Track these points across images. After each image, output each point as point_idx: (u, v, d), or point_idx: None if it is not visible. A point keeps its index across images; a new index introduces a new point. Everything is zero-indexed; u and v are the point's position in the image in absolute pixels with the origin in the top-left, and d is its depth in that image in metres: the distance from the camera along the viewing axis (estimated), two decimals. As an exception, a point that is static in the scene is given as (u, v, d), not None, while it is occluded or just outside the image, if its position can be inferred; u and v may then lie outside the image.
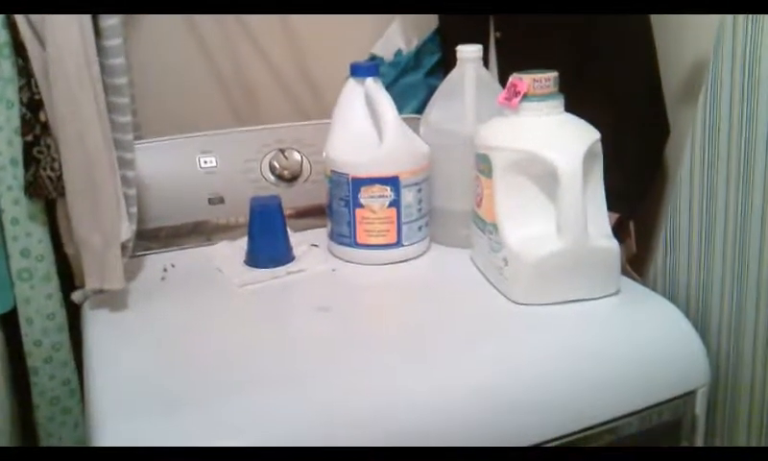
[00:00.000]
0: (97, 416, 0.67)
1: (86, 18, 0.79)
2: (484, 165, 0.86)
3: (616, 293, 0.83)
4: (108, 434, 0.64)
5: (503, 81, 0.87)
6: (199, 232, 1.04)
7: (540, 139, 0.82)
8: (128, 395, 0.69)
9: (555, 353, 0.76)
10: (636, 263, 0.97)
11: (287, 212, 1.04)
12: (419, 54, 1.22)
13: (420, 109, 1.05)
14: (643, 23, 0.95)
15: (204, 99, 1.20)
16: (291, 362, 0.74)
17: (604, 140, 0.84)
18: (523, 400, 0.72)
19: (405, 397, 0.70)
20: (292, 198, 1.06)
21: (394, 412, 0.69)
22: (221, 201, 1.04)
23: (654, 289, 0.88)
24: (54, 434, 0.92)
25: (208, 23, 1.18)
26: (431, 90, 1.03)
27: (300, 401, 0.68)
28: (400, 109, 1.17)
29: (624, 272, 0.90)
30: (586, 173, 0.80)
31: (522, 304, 0.82)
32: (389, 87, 1.21)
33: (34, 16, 0.79)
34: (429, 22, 1.23)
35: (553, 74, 0.84)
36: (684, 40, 0.93)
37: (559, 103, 0.84)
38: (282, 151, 1.07)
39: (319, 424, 0.67)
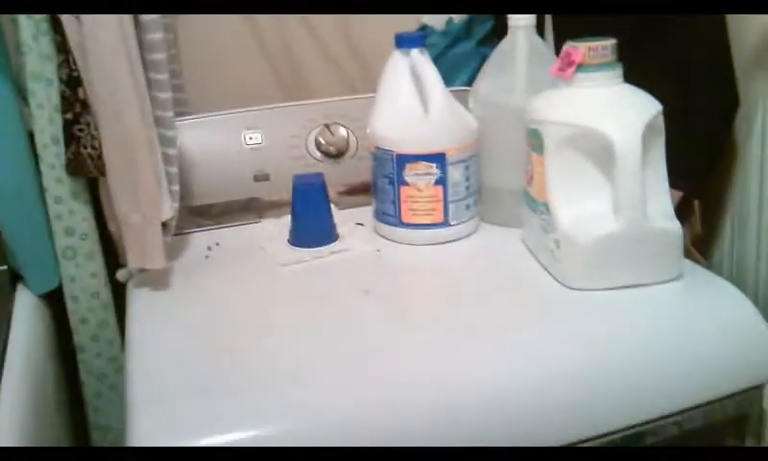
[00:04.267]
0: (132, 396, 0.66)
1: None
2: (535, 140, 0.81)
3: (678, 278, 0.78)
4: (142, 416, 0.63)
5: (558, 50, 0.82)
6: (251, 209, 1.02)
7: (595, 112, 0.77)
8: (163, 376, 0.68)
9: (609, 342, 0.71)
10: (702, 245, 0.91)
11: (333, 189, 1.02)
12: (470, 22, 1.17)
13: (472, 81, 1.00)
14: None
15: (251, 74, 1.18)
16: (330, 346, 0.71)
17: (667, 113, 0.78)
18: (575, 390, 0.68)
19: (449, 382, 0.66)
20: (338, 174, 1.03)
21: (438, 397, 0.65)
22: (266, 178, 1.02)
23: (719, 274, 0.82)
24: (101, 410, 0.93)
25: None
26: (483, 61, 0.98)
27: (341, 388, 0.66)
28: (451, 80, 1.13)
29: (688, 254, 0.84)
30: (645, 148, 0.74)
31: (575, 289, 0.77)
32: (439, 58, 1.17)
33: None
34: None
35: (610, 42, 0.78)
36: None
37: (617, 73, 0.79)
38: (328, 126, 1.05)
39: (358, 411, 0.64)
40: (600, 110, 0.77)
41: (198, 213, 1.00)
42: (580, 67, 0.78)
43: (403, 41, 0.92)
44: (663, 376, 0.70)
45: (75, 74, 0.80)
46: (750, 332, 0.73)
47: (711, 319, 0.74)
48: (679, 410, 0.71)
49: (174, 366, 0.70)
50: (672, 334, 0.72)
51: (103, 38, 0.76)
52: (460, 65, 1.16)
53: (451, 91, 0.93)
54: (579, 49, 0.78)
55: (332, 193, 1.03)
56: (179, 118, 0.99)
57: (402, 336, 0.73)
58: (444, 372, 0.67)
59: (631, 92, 0.79)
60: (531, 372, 0.68)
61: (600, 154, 0.76)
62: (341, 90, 1.17)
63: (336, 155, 1.04)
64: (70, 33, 0.78)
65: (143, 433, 0.62)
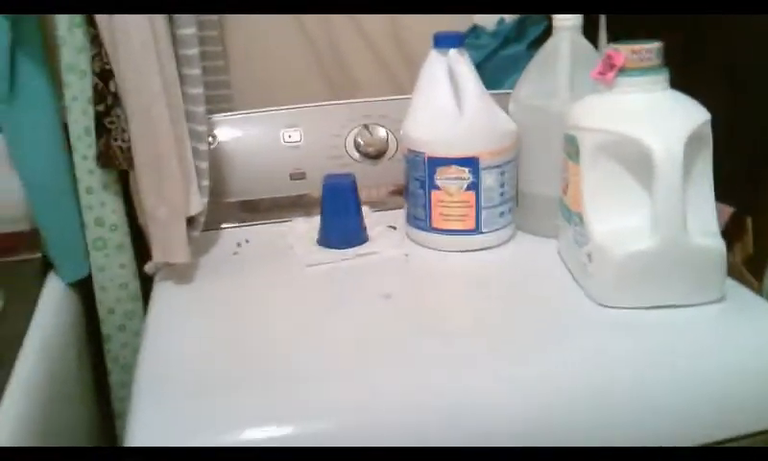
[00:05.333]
0: (138, 387, 0.66)
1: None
2: (571, 147, 0.77)
3: (720, 300, 0.72)
4: (145, 408, 0.63)
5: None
6: (301, 205, 1.01)
7: (635, 120, 0.72)
8: (173, 370, 0.68)
9: (636, 367, 0.66)
10: (754, 265, 0.84)
11: (370, 191, 1.00)
12: (522, 23, 1.13)
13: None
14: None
15: (297, 71, 1.17)
16: (341, 353, 0.69)
17: (720, 121, 0.72)
18: (594, 414, 0.63)
19: (460, 395, 0.63)
20: (376, 175, 1.01)
21: (447, 410, 0.62)
22: (302, 176, 1.01)
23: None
24: (125, 399, 0.94)
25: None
26: (534, 64, 0.94)
27: (351, 393, 0.63)
28: (500, 83, 1.10)
29: (737, 275, 0.78)
30: (689, 160, 0.69)
31: (607, 307, 0.73)
32: (489, 60, 1.14)
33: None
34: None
35: (656, 45, 0.73)
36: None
37: (662, 78, 0.73)
38: (367, 127, 1.03)
39: (361, 422, 0.62)
40: (641, 118, 0.72)
41: (245, 208, 1.00)
42: (622, 71, 0.74)
43: (441, 41, 0.89)
44: (694, 406, 0.65)
45: (107, 67, 0.81)
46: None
47: (752, 347, 0.68)
48: (707, 444, 0.65)
49: (185, 361, 0.69)
50: (706, 361, 0.66)
51: (133, 33, 0.76)
52: (510, 68, 1.12)
53: (498, 94, 0.89)
54: (621, 52, 0.74)
55: (382, 193, 1.01)
56: (221, 114, 1.00)
57: (416, 345, 0.70)
58: (457, 385, 0.64)
59: (676, 99, 0.74)
60: (546, 392, 0.64)
61: (640, 164, 0.71)
62: (387, 90, 1.15)
63: (375, 155, 1.02)
64: (102, 26, 0.79)
65: (143, 426, 0.61)
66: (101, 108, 0.83)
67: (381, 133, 1.02)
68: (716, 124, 0.72)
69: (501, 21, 1.14)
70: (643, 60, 0.73)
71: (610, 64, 0.75)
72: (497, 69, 1.11)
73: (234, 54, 1.13)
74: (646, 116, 0.72)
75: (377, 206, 1.00)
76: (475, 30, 1.16)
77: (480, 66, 0.95)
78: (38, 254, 0.88)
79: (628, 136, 0.71)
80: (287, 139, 1.01)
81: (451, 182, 0.85)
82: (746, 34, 0.81)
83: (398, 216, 0.95)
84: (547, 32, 1.12)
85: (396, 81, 1.19)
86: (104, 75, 0.82)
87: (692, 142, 0.70)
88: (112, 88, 0.82)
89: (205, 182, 0.87)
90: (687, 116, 0.72)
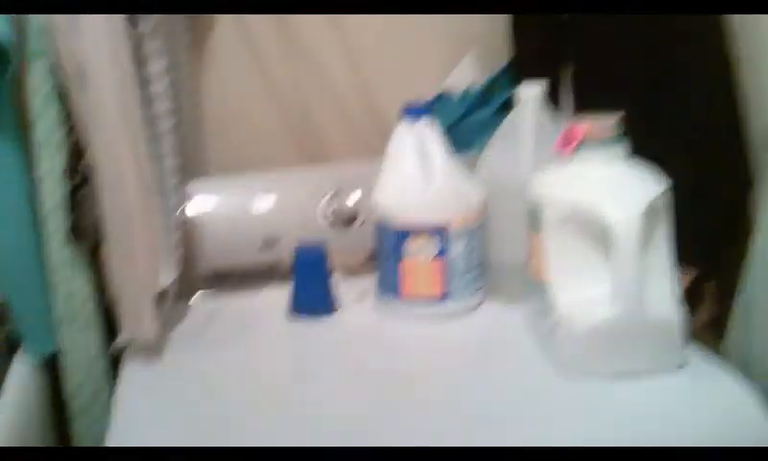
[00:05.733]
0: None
1: (129, 64, 0.80)
2: (534, 219, 0.79)
3: (680, 367, 0.73)
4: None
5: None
6: (273, 274, 1.01)
7: (594, 192, 0.74)
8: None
9: (598, 439, 0.66)
10: (718, 328, 0.85)
11: (343, 257, 1.00)
12: (490, 88, 1.15)
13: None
14: (726, 59, 0.84)
15: (268, 135, 1.18)
16: (311, 428, 0.69)
17: (681, 184, 0.74)
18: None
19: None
20: (349, 242, 1.02)
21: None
22: (274, 244, 1.01)
23: (729, 360, 0.77)
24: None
25: (274, 56, 1.16)
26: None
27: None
28: (467, 148, 1.12)
29: (701, 338, 0.80)
30: (648, 230, 0.71)
31: (569, 377, 0.73)
32: (456, 125, 1.16)
33: (79, 62, 0.79)
34: (504, 55, 1.17)
35: (615, 118, 0.75)
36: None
37: (621, 150, 0.76)
38: (340, 192, 1.04)
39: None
40: (600, 190, 0.74)
41: (216, 278, 1.00)
42: (583, 144, 0.76)
43: (410, 112, 0.91)
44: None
45: (80, 143, 0.82)
46: (753, 431, 0.67)
47: (711, 415, 0.69)
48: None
49: (153, 440, 0.68)
50: (665, 431, 0.67)
51: (107, 108, 0.77)
52: (478, 132, 1.14)
53: (467, 158, 0.91)
54: (582, 125, 0.76)
55: (355, 259, 1.01)
56: (190, 181, 1.00)
57: (380, 418, 0.70)
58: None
59: (635, 170, 0.76)
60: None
61: (600, 235, 0.72)
62: (360, 155, 1.16)
63: (347, 221, 1.03)
64: (76, 101, 0.80)
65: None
66: (74, 182, 0.83)
67: (354, 199, 1.03)
68: (679, 188, 0.74)
69: (469, 87, 1.17)
70: (603, 134, 0.76)
71: (570, 137, 0.77)
72: (466, 134, 1.14)
73: (206, 118, 1.13)
74: (605, 188, 0.74)
75: (350, 272, 1.01)
76: (443, 96, 1.18)
77: (449, 131, 0.97)
78: (6, 329, 0.87)
79: (587, 208, 0.73)
80: (258, 207, 1.02)
81: (420, 251, 0.86)
82: (708, 100, 0.84)
83: (371, 283, 0.96)
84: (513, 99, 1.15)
85: (368, 146, 1.21)
86: (77, 150, 0.83)
87: (650, 213, 0.72)
88: (85, 164, 0.83)
89: (176, 255, 0.88)
90: (645, 189, 0.74)
